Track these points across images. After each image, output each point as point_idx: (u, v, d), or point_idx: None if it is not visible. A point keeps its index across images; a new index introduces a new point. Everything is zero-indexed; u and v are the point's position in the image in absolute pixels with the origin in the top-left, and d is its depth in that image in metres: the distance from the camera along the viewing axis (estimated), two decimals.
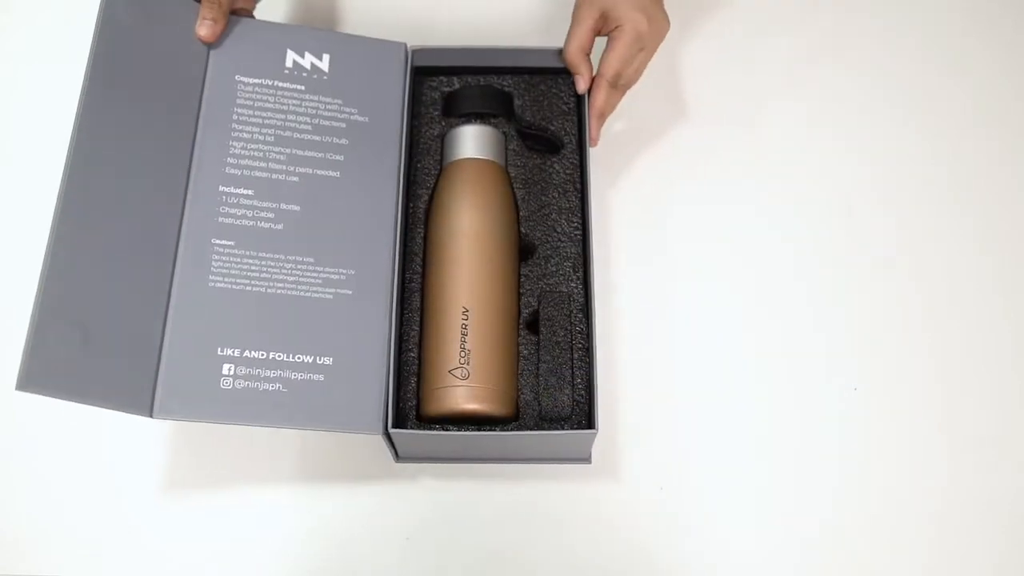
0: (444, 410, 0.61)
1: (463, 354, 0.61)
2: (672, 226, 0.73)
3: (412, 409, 0.63)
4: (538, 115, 0.71)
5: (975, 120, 0.77)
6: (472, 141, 0.68)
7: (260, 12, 0.68)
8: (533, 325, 0.66)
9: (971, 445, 0.67)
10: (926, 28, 0.80)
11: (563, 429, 0.63)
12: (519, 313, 0.66)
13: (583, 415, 0.63)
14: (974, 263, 0.72)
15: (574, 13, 0.69)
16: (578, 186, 0.69)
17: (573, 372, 0.64)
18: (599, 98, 0.69)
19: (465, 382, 0.61)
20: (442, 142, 0.70)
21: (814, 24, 0.80)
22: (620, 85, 0.70)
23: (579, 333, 0.65)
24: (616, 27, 0.67)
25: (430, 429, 0.62)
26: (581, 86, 0.69)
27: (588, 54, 0.69)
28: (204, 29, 0.64)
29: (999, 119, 0.77)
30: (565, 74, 0.71)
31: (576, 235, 0.68)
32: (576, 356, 0.64)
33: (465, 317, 0.62)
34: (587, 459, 0.66)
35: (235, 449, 0.66)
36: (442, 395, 0.61)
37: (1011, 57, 0.79)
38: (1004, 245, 0.73)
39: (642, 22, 0.67)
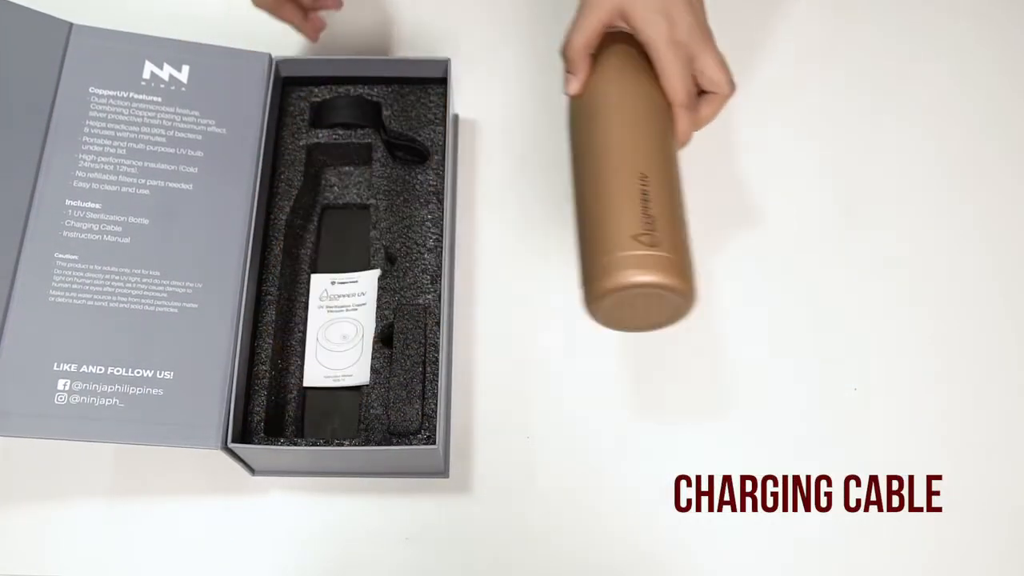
0: (625, 282, 0.54)
1: (648, 220, 0.55)
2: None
3: (260, 423, 0.63)
4: (406, 125, 0.70)
5: (975, 119, 0.76)
6: None
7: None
8: (389, 338, 0.65)
9: (971, 445, 0.66)
10: (926, 27, 0.80)
11: (410, 444, 0.62)
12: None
13: (432, 430, 0.62)
14: (974, 262, 0.71)
15: (582, 2, 0.61)
16: (441, 197, 0.68)
17: (424, 386, 0.63)
18: (681, 126, 0.62)
19: (653, 251, 0.54)
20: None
21: (814, 23, 0.80)
22: (697, 103, 0.62)
23: (434, 346, 0.64)
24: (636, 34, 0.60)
25: (274, 444, 0.61)
26: (573, 87, 0.62)
27: (591, 53, 0.61)
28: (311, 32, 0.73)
29: (999, 119, 0.76)
30: (434, 84, 0.71)
31: (437, 247, 0.67)
32: (429, 370, 0.64)
33: (645, 183, 0.57)
34: (443, 473, 0.65)
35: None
36: (623, 263, 0.54)
37: (1012, 57, 0.78)
38: (1004, 244, 0.72)
39: (660, 26, 0.58)
